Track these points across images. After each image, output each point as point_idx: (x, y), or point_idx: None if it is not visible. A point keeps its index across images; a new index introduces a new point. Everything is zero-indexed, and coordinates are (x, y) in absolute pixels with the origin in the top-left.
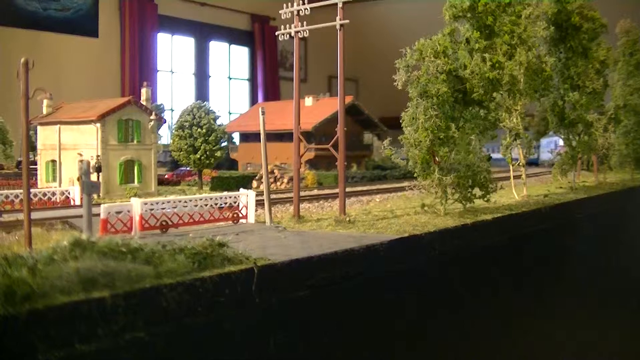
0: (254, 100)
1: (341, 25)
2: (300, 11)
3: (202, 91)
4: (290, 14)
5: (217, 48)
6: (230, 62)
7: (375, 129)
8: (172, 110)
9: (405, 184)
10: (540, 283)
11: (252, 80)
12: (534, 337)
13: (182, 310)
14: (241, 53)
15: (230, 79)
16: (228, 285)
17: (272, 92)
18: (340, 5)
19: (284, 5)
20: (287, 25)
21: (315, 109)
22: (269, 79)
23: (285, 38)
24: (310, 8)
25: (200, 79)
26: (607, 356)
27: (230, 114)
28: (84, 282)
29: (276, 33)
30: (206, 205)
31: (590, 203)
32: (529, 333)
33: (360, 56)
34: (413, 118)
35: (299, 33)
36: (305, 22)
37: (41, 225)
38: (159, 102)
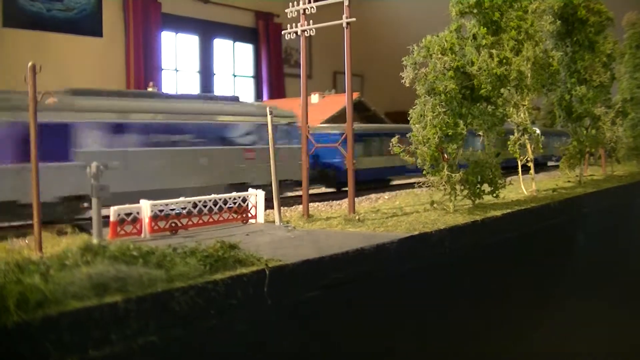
0: (259, 98)
1: (348, 23)
2: (307, 10)
3: (207, 89)
4: (296, 12)
5: (222, 46)
6: (235, 59)
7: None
8: None
9: (414, 180)
10: (552, 279)
11: (257, 77)
12: (546, 333)
13: (195, 313)
14: (246, 50)
15: (235, 76)
16: (240, 288)
17: (277, 89)
18: (346, 3)
19: (290, 3)
20: (293, 24)
21: (322, 106)
22: (274, 76)
23: (291, 37)
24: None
25: (205, 76)
26: (619, 351)
27: None
28: (96, 287)
29: (282, 32)
30: (215, 205)
31: (600, 196)
32: (541, 329)
33: (365, 52)
34: (421, 115)
35: (306, 32)
36: (311, 21)
37: (51, 229)
38: None
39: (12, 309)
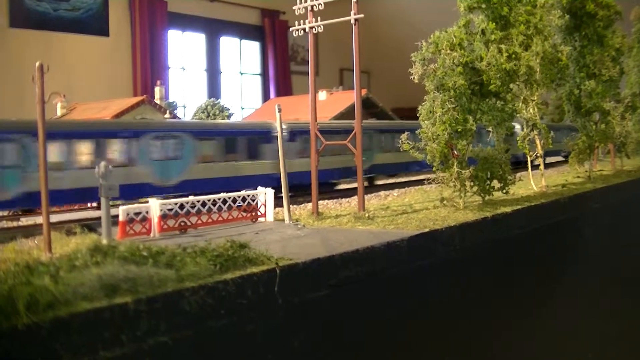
0: (266, 95)
1: (356, 19)
2: (314, 6)
3: (213, 87)
4: (304, 9)
5: (228, 43)
6: (242, 57)
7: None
8: (184, 107)
9: (423, 177)
10: (562, 275)
11: (264, 75)
12: (557, 329)
13: (205, 313)
14: (252, 48)
15: (242, 74)
16: (250, 287)
17: (284, 87)
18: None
19: (298, 0)
20: (301, 21)
21: (330, 103)
22: (281, 74)
23: (299, 34)
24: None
25: (212, 75)
26: (629, 347)
27: (242, 109)
28: (106, 288)
29: (290, 29)
30: (225, 204)
31: (609, 192)
32: (551, 325)
33: (371, 48)
34: (430, 111)
35: (314, 28)
36: (319, 17)
37: (59, 229)
38: (171, 100)
39: (22, 311)
